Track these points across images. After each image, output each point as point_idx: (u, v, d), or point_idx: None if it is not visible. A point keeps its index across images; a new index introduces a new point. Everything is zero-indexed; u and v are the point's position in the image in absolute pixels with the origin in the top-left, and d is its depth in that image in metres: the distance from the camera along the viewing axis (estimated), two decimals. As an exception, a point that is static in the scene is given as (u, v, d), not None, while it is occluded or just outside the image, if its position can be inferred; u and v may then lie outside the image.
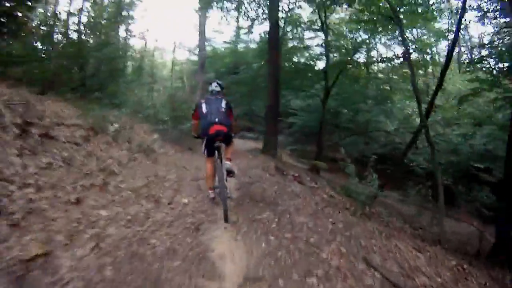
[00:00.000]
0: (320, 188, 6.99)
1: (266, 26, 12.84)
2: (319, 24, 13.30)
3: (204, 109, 3.72)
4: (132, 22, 18.18)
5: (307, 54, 15.81)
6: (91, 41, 11.13)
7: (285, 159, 11.64)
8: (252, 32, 16.89)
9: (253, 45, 21.90)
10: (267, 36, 11.82)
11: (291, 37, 15.06)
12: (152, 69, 24.54)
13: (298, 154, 16.26)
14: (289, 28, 14.73)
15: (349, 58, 13.01)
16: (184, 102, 12.72)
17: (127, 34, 20.63)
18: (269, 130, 10.90)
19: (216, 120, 3.58)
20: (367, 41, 13.41)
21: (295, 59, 15.67)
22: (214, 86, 4.05)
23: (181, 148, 9.14)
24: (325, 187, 7.44)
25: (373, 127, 16.00)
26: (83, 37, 10.97)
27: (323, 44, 13.76)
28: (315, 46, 15.01)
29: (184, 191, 4.49)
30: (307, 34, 15.72)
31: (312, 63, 15.61)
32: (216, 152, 3.58)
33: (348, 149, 11.03)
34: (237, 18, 21.97)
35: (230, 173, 3.64)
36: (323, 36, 13.64)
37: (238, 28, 23.48)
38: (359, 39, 13.70)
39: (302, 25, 14.68)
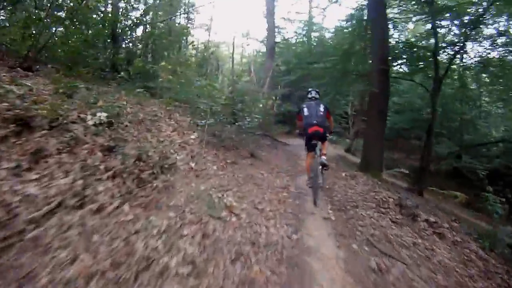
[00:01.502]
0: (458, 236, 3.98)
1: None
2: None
3: (305, 112, 4.44)
4: (193, 10, 16.22)
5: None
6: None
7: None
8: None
9: (328, 34, 18.18)
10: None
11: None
12: (217, 61, 22.66)
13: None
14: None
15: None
16: (246, 94, 9.45)
17: (187, 22, 18.67)
18: (371, 142, 7.49)
19: (315, 122, 4.24)
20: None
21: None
22: (314, 93, 4.78)
23: (237, 155, 5.67)
24: (457, 232, 4.23)
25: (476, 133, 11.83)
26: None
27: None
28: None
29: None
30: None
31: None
32: (314, 148, 4.24)
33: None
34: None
35: (324, 166, 4.13)
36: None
37: (310, 16, 20.04)
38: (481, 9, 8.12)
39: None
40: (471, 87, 10.71)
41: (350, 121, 16.34)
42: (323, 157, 4.17)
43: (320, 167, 4.09)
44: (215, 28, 46.47)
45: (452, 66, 8.58)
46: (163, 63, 7.38)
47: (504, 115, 11.40)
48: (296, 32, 20.57)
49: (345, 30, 14.23)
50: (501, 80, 9.06)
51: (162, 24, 10.80)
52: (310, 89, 4.92)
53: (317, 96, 4.77)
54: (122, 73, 7.69)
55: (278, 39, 18.30)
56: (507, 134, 10.97)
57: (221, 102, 7.22)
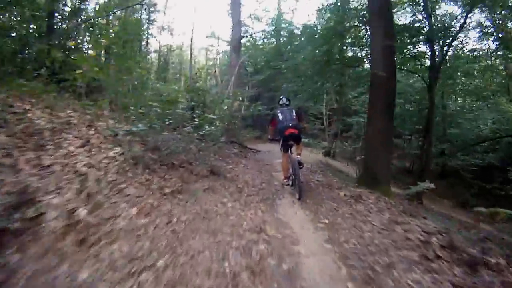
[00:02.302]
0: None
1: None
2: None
3: (280, 117, 4.68)
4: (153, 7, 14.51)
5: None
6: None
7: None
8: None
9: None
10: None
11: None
12: (180, 64, 20.98)
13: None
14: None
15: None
16: (206, 95, 7.77)
17: (148, 23, 16.83)
18: (377, 148, 5.51)
19: (290, 125, 4.53)
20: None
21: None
22: (285, 101, 5.07)
23: (188, 176, 3.87)
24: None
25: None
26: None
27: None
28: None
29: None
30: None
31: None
32: (289, 148, 4.63)
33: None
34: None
35: (300, 164, 4.42)
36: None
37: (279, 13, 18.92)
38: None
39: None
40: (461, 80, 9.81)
41: (326, 122, 15.11)
42: (298, 156, 4.57)
43: (298, 165, 4.39)
44: (179, 30, 44.02)
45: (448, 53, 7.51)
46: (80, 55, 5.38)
47: (490, 107, 10.71)
48: (264, 30, 19.18)
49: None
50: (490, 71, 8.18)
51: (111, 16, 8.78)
52: (281, 97, 5.24)
53: (288, 102, 5.09)
54: (42, 69, 5.61)
55: (245, 39, 16.84)
56: (496, 126, 10.27)
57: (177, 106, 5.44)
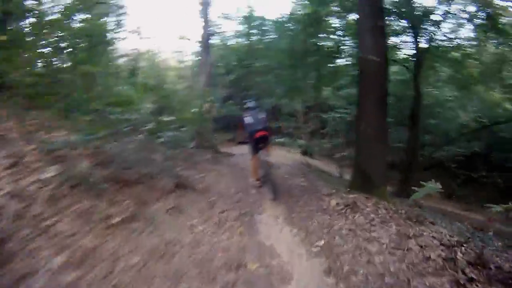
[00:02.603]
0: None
1: None
2: None
3: (249, 120, 4.68)
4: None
5: None
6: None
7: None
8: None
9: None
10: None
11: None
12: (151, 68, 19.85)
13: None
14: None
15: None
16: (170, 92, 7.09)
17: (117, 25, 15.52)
18: (370, 145, 4.85)
19: (260, 127, 4.58)
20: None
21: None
22: (253, 104, 5.00)
23: (147, 194, 3.22)
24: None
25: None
26: None
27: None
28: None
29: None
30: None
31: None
32: (259, 151, 4.59)
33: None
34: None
35: (269, 164, 4.57)
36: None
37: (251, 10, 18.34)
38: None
39: None
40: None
41: (300, 119, 14.78)
42: (267, 156, 4.62)
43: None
44: (148, 34, 41.59)
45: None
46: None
47: (470, 96, 10.71)
48: (235, 30, 18.64)
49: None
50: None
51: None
52: (247, 100, 5.29)
53: (255, 105, 5.02)
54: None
55: (215, 40, 16.20)
56: (478, 115, 10.37)
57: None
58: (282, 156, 9.87)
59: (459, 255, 2.07)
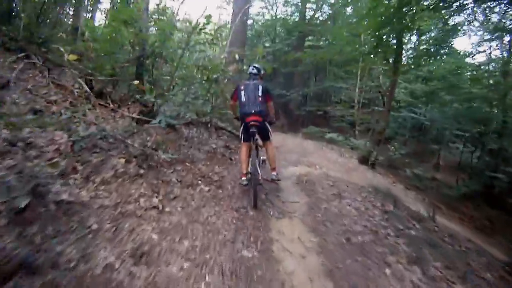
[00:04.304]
0: None
1: None
2: None
3: (242, 97, 3.63)
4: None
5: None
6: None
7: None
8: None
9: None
10: None
11: None
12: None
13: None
14: None
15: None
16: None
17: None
18: None
19: (253, 111, 3.51)
20: None
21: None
22: (251, 69, 3.96)
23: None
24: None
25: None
26: None
27: None
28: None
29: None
30: None
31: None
32: (252, 138, 3.58)
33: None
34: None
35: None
36: None
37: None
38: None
39: None
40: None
41: (357, 112, 11.12)
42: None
43: (261, 161, 3.94)
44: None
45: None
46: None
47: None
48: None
49: None
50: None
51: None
52: (251, 65, 4.11)
53: (256, 72, 3.93)
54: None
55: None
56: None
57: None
58: (332, 163, 6.54)
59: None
